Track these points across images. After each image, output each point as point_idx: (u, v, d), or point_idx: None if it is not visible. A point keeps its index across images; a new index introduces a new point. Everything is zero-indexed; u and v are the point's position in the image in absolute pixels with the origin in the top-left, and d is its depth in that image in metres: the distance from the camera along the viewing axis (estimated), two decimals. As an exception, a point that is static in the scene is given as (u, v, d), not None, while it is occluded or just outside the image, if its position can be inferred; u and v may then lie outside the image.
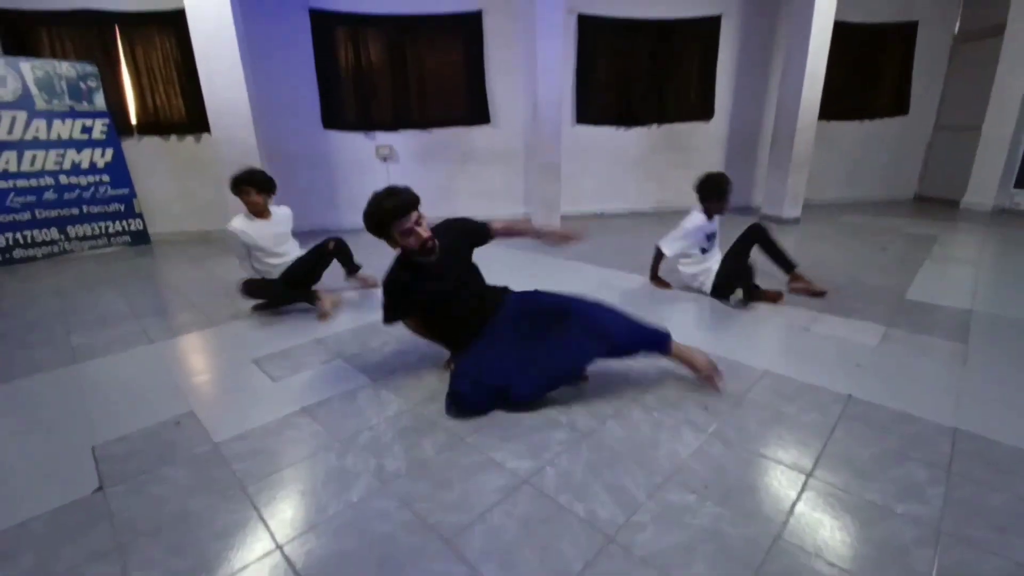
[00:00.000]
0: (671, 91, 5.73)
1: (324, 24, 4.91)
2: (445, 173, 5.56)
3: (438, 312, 1.94)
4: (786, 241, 4.34)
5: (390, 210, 1.75)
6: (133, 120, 4.83)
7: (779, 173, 5.20)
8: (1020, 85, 5.29)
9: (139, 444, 1.62)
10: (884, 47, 6.02)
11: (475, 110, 5.41)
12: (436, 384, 1.95)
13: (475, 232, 2.10)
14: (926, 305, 2.74)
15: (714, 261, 2.98)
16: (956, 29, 6.19)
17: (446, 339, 2.05)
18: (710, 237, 2.98)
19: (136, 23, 4.63)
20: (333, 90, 5.09)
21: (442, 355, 2.14)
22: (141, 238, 4.93)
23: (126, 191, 4.80)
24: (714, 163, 6.12)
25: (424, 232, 1.80)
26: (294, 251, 2.99)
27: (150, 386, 2.04)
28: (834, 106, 5.79)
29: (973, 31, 6.02)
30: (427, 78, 5.24)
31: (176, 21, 4.49)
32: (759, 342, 2.36)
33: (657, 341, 1.85)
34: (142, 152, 4.88)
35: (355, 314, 2.78)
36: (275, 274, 2.88)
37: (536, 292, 1.96)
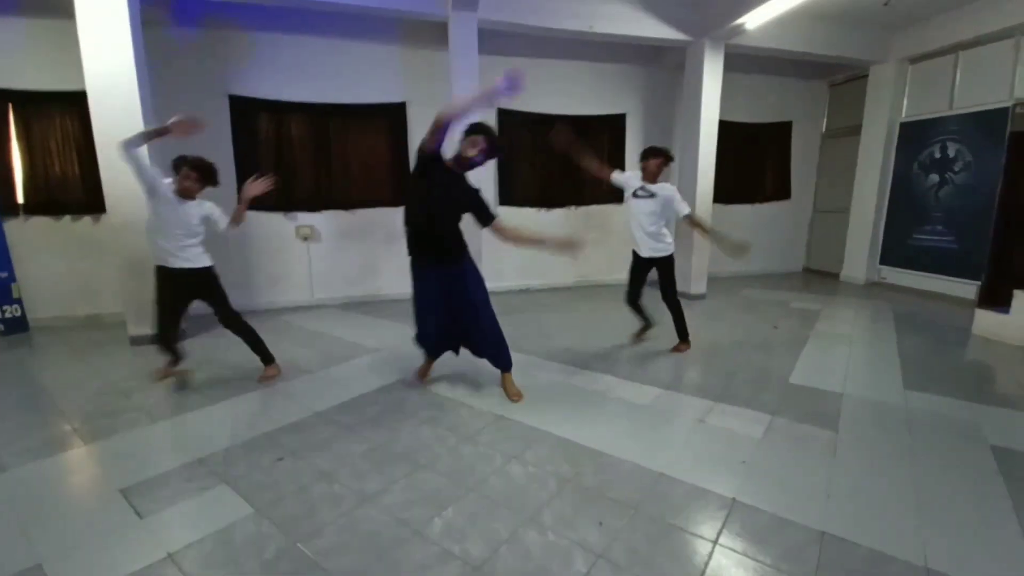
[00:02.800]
0: (586, 177, 6.16)
1: (244, 109, 4.92)
2: (369, 252, 5.54)
3: (412, 201, 2.62)
4: (693, 318, 4.69)
5: (488, 129, 2.59)
6: (20, 199, 4.47)
7: (685, 253, 5.64)
8: (874, 176, 6.22)
9: (-51, 625, 1.37)
10: (766, 142, 6.92)
11: (398, 192, 5.52)
12: (326, 511, 1.84)
13: (478, 208, 2.69)
14: (806, 390, 3.00)
15: (656, 229, 3.60)
16: (823, 128, 7.26)
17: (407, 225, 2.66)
18: (639, 192, 3.58)
19: (35, 101, 4.40)
20: (251, 173, 5.01)
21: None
22: (17, 326, 4.42)
23: (4, 275, 4.35)
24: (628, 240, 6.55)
25: (471, 151, 2.54)
26: (194, 258, 2.90)
27: (-14, 535, 1.76)
28: (728, 191, 6.52)
29: (837, 129, 7.09)
30: (351, 160, 5.32)
31: (81, 101, 4.32)
32: (659, 437, 2.45)
33: (507, 364, 2.86)
34: (27, 233, 4.49)
35: (252, 423, 2.60)
36: (154, 254, 2.88)
37: (468, 285, 2.70)
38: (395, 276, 5.60)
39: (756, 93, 6.74)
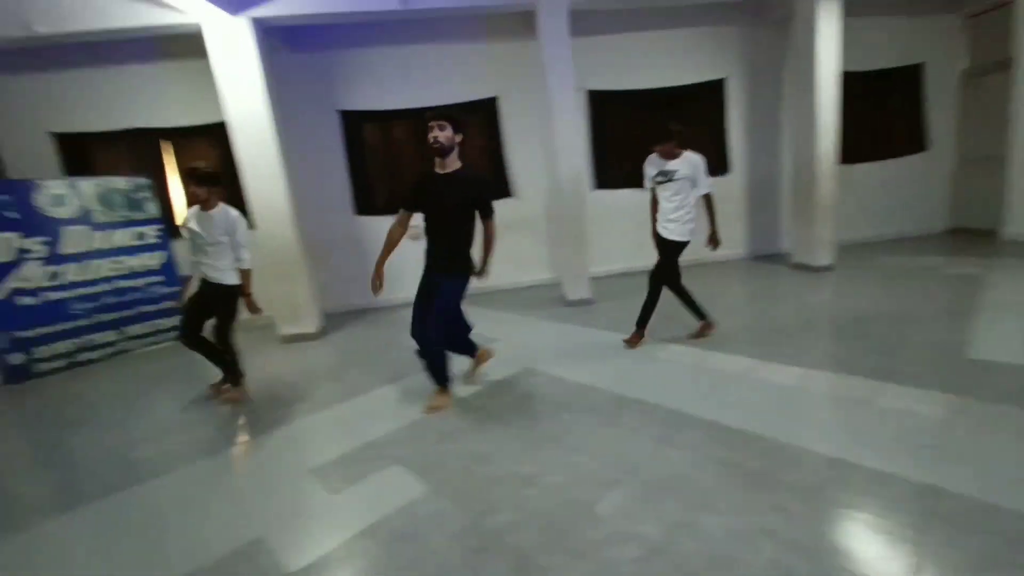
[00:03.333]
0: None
1: (353, 122, 5.28)
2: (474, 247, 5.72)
3: (426, 214, 2.62)
4: (822, 292, 4.33)
5: (428, 114, 2.49)
6: (179, 222, 5.18)
7: (803, 221, 5.19)
8: (1039, 114, 5.26)
9: (213, 580, 1.64)
10: (893, 90, 6.12)
11: (498, 185, 5.63)
12: (493, 490, 1.94)
13: (483, 204, 2.62)
14: (993, 365, 2.63)
15: (674, 210, 3.23)
16: (964, 67, 6.27)
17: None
18: (660, 174, 3.22)
19: (182, 136, 5.07)
20: (363, 180, 5.40)
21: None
22: (188, 332, 5.15)
23: (177, 288, 5.07)
24: (736, 213, 6.17)
25: (434, 134, 2.44)
26: (222, 266, 3.07)
27: (216, 508, 2.07)
28: (853, 150, 5.85)
29: (980, 66, 6.08)
30: (451, 160, 5.51)
31: (219, 132, 4.92)
32: (822, 420, 2.29)
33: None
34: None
35: (406, 409, 2.81)
36: (197, 270, 3.15)
37: (439, 297, 2.65)
38: (501, 269, 5.74)
39: (877, 37, 5.96)
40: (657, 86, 5.68)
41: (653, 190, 3.33)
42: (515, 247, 5.82)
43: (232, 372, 3.25)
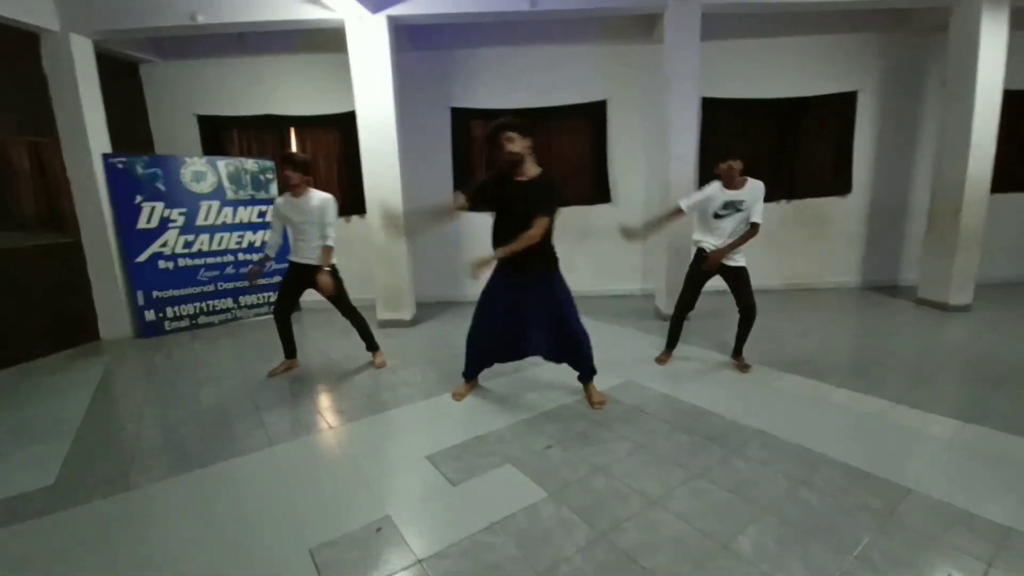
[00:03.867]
0: (802, 167, 5.51)
1: (462, 118, 5.41)
2: (567, 248, 5.65)
3: (498, 218, 2.66)
4: (958, 335, 3.90)
5: (495, 125, 2.52)
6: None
7: (941, 252, 4.66)
8: None
9: (350, 552, 1.70)
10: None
11: (597, 190, 5.56)
12: (615, 507, 1.88)
13: (540, 202, 2.54)
14: None
15: (719, 238, 3.09)
16: None
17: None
18: (727, 206, 3.05)
19: (308, 124, 5.43)
20: (466, 175, 5.52)
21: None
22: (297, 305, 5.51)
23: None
24: (853, 236, 5.69)
25: (510, 149, 2.48)
26: (315, 245, 3.33)
27: (342, 480, 2.17)
28: (1003, 177, 5.18)
29: None
30: (553, 162, 5.50)
31: (340, 122, 5.23)
32: (987, 482, 2.02)
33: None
34: (302, 231, 5.55)
35: (509, 407, 2.82)
36: (295, 253, 3.40)
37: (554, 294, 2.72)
38: (591, 273, 5.67)
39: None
40: (778, 96, 5.34)
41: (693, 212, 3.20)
42: (607, 254, 5.73)
43: (368, 339, 3.62)
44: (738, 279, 3.14)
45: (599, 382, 2.93)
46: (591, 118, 5.43)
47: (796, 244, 5.66)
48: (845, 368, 3.25)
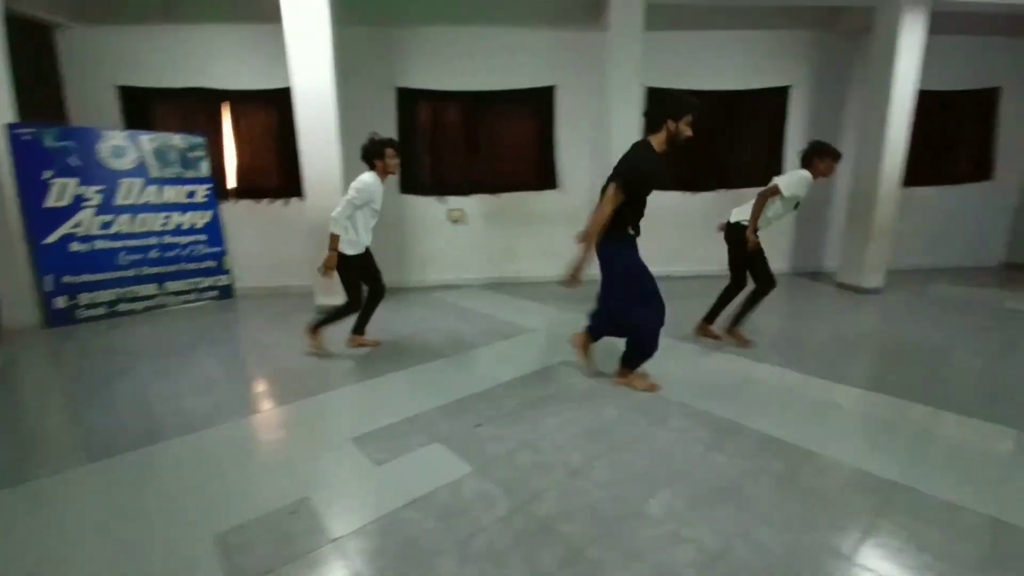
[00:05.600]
0: (737, 158, 5.75)
1: (408, 99, 5.28)
2: (511, 233, 5.69)
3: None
4: (869, 316, 4.19)
5: (694, 103, 2.48)
6: (232, 184, 5.27)
7: (857, 240, 5.01)
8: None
9: (261, 535, 1.65)
10: (965, 113, 5.85)
11: (543, 176, 5.58)
12: (537, 479, 1.91)
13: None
14: (1059, 406, 2.50)
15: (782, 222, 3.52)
16: (1042, 94, 5.95)
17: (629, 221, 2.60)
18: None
19: (243, 99, 5.14)
20: (411, 158, 5.40)
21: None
22: (227, 292, 5.25)
23: (219, 249, 5.18)
24: (783, 226, 5.99)
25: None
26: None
27: (261, 465, 2.09)
28: (914, 171, 5.62)
29: (1062, 96, 5.78)
30: (499, 146, 5.48)
31: (279, 98, 4.96)
32: (880, 442, 2.19)
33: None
34: (236, 214, 5.29)
35: (443, 389, 2.80)
36: (366, 238, 3.21)
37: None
38: (534, 258, 5.71)
39: (953, 56, 5.70)
40: (717, 88, 5.53)
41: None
42: (552, 240, 5.77)
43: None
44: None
45: (535, 360, 2.94)
46: (539, 103, 5.44)
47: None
48: (767, 346, 3.43)
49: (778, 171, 5.86)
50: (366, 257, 3.29)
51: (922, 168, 5.79)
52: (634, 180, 2.43)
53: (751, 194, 5.86)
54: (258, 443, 2.29)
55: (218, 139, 5.19)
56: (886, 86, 4.64)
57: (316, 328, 3.35)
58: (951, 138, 5.87)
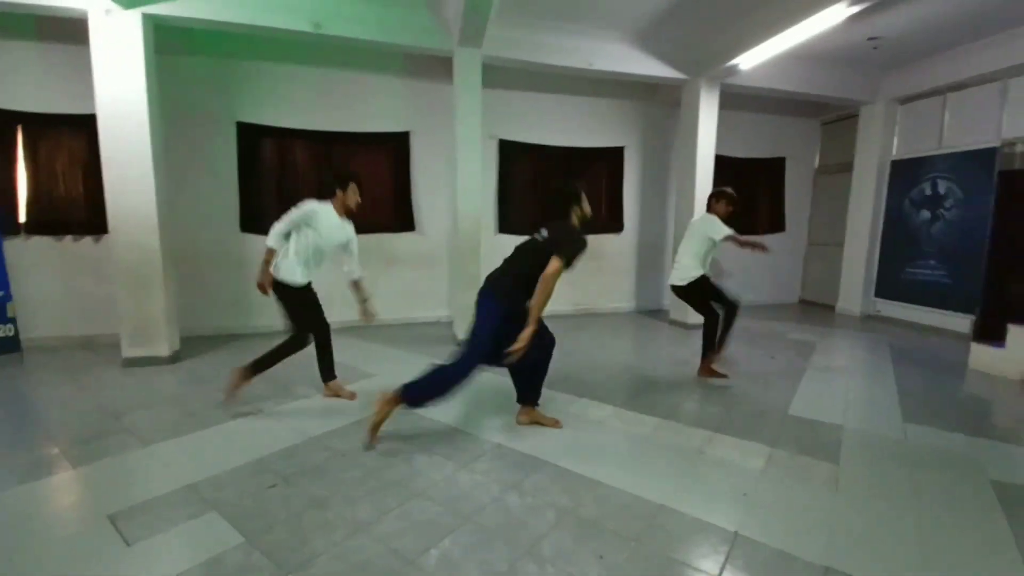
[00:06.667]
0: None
1: (250, 135, 5.02)
2: (368, 276, 5.54)
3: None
4: (691, 349, 4.71)
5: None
6: (22, 218, 4.50)
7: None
8: (867, 211, 6.34)
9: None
10: (761, 177, 7.08)
11: (401, 218, 5.59)
12: (316, 540, 1.79)
13: (545, 253, 2.51)
14: (806, 421, 2.99)
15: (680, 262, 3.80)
16: (816, 164, 7.44)
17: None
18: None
19: (43, 124, 4.48)
20: (254, 196, 5.10)
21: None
22: (10, 345, 4.37)
23: (1, 293, 4.33)
24: (627, 269, 6.63)
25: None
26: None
27: (-36, 561, 1.70)
28: (724, 223, 6.61)
29: (829, 165, 7.27)
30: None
31: (88, 124, 4.40)
32: (656, 468, 2.41)
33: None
34: (27, 252, 4.50)
35: (248, 446, 2.55)
36: (300, 270, 2.99)
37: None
38: (392, 300, 5.61)
39: (751, 129, 6.93)
40: (563, 144, 6.08)
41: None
42: (412, 282, 5.76)
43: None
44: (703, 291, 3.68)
45: (367, 410, 2.82)
46: (394, 148, 5.51)
47: (582, 275, 6.35)
48: (594, 383, 3.68)
49: (620, 219, 6.53)
50: (305, 293, 3.05)
51: (730, 221, 6.82)
52: (576, 256, 2.54)
53: (599, 240, 6.47)
54: (-24, 533, 1.86)
55: (9, 166, 4.44)
56: (692, 149, 5.47)
57: (252, 369, 2.94)
58: (751, 197, 7.03)
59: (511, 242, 5.89)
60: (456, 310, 5.04)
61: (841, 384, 3.75)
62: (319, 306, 3.20)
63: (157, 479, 2.23)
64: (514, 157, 5.93)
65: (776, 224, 7.29)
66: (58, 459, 2.43)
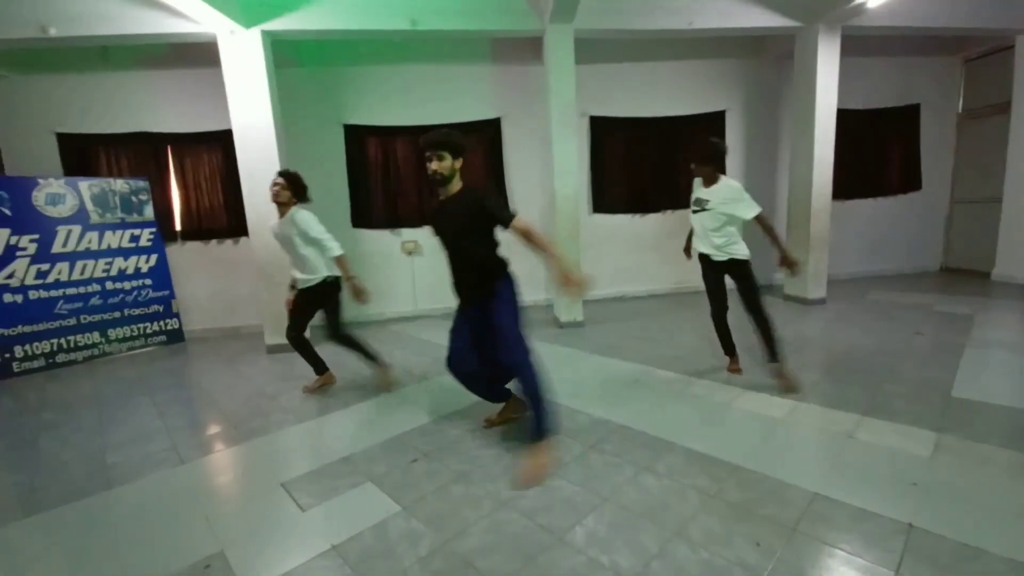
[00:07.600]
0: (681, 180, 5.95)
1: (356, 135, 5.34)
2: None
3: (443, 247, 2.35)
4: (813, 325, 4.32)
5: (422, 142, 2.24)
6: (178, 227, 5.19)
7: (797, 253, 5.18)
8: (1033, 159, 5.35)
9: (167, 594, 1.58)
10: (889, 129, 6.22)
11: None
12: (468, 513, 1.89)
13: (489, 214, 2.18)
14: (975, 404, 2.61)
15: (696, 236, 3.25)
16: (960, 108, 6.40)
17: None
18: (696, 202, 3.16)
19: (187, 142, 5.11)
20: (362, 193, 5.44)
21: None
22: (176, 336, 5.11)
23: (166, 293, 5.05)
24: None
25: (432, 166, 2.21)
26: (305, 269, 3.17)
27: (180, 518, 2.01)
28: (847, 186, 5.95)
29: (978, 109, 6.22)
30: (450, 178, 5.55)
31: (223, 139, 4.96)
32: (800, 453, 2.25)
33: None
34: (184, 255, 5.19)
35: (386, 424, 2.76)
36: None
37: (502, 322, 2.22)
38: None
39: (875, 76, 6.11)
40: (660, 114, 5.78)
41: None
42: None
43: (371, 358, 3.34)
44: (741, 277, 2.99)
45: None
46: (486, 134, 5.57)
47: (680, 252, 6.07)
48: (710, 362, 3.50)
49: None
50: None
51: (855, 182, 6.12)
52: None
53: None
54: (178, 496, 2.20)
55: (164, 182, 5.13)
56: (810, 106, 4.92)
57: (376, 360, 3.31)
58: (879, 153, 6.22)
59: (607, 223, 5.89)
60: (554, 290, 5.04)
61: (1013, 362, 3.23)
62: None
63: (316, 452, 2.49)
64: (606, 134, 5.74)
65: (911, 182, 6.39)
66: (233, 434, 2.79)
